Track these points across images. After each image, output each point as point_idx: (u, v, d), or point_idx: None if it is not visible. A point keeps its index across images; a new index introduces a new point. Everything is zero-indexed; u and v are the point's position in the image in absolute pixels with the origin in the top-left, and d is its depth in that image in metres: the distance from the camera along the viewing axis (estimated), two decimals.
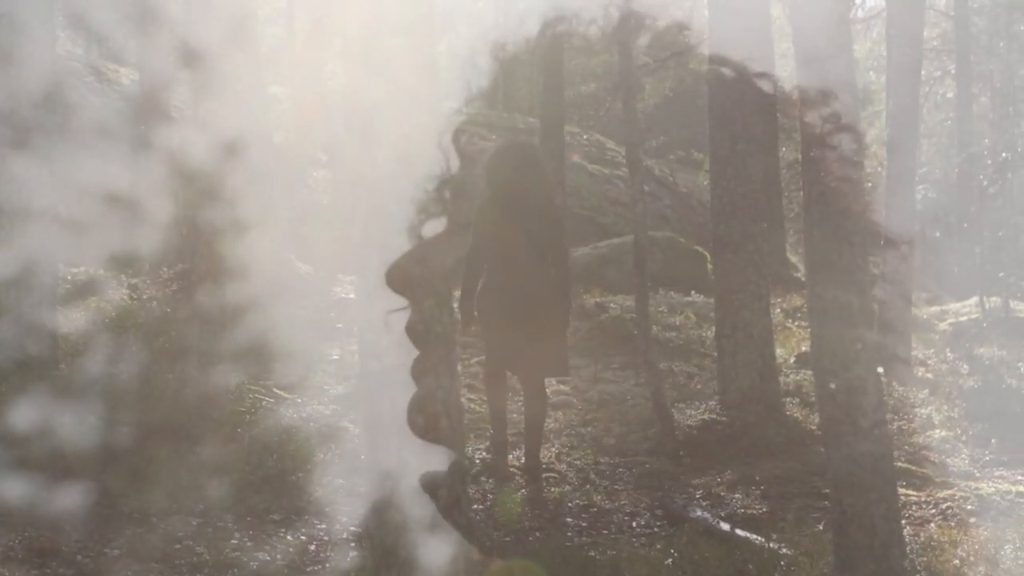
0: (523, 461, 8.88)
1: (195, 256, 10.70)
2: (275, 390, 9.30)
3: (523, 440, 8.98)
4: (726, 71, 5.93)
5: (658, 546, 7.53)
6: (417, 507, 6.34)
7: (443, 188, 5.09)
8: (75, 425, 7.88)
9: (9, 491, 7.19)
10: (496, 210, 8.71)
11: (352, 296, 11.37)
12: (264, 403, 9.01)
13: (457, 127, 5.03)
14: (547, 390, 9.37)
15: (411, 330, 5.90)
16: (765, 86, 5.75)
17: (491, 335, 8.75)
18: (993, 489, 9.72)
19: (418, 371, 6.16)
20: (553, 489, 8.70)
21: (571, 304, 9.22)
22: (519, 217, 8.68)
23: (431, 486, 6.71)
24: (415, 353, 5.49)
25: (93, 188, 9.08)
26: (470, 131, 5.25)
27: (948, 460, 12.03)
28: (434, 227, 5.16)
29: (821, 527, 7.70)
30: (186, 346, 9.28)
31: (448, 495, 6.52)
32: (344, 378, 9.90)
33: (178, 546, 7.08)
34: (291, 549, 7.19)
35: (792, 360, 12.70)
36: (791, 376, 11.64)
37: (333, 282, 12.85)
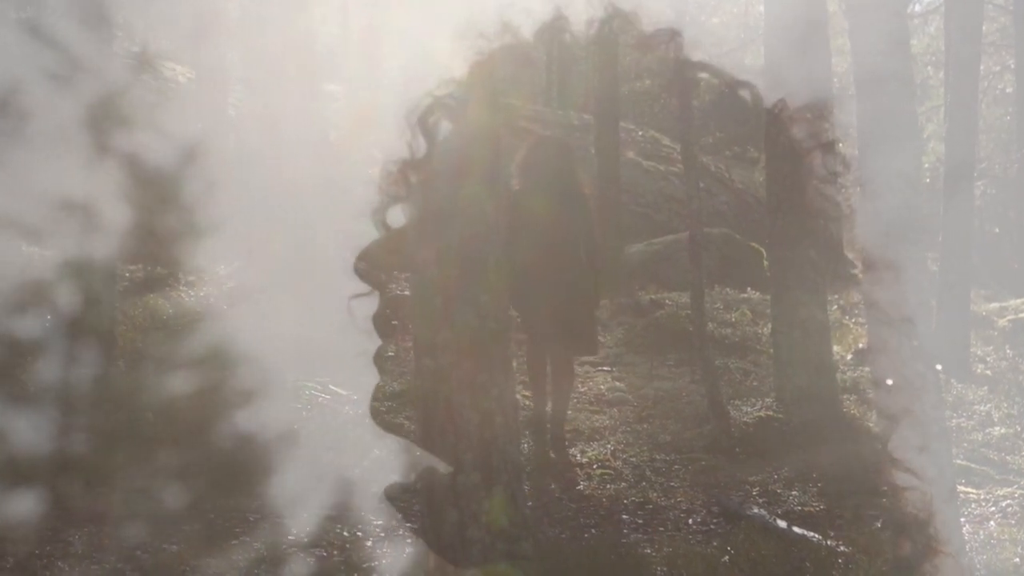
0: (550, 428, 9.14)
1: (249, 253, 10.75)
2: (331, 387, 9.33)
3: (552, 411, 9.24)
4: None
5: (715, 543, 7.51)
6: (473, 503, 6.34)
7: (407, 171, 5.04)
8: (134, 422, 7.94)
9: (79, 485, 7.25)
10: (530, 202, 8.90)
11: (407, 293, 11.38)
12: (320, 400, 9.05)
13: (425, 108, 4.97)
14: (603, 386, 9.48)
15: (377, 320, 5.90)
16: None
17: (529, 321, 8.94)
18: None
19: (379, 360, 6.17)
20: (608, 486, 8.69)
21: (602, 289, 9.50)
22: (552, 209, 8.91)
23: (395, 496, 6.73)
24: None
25: (140, 183, 9.14)
26: (441, 112, 5.20)
27: (1008, 458, 11.93)
28: (402, 212, 5.10)
29: (879, 525, 7.65)
30: (242, 343, 9.32)
31: (504, 491, 6.53)
32: (399, 375, 9.92)
33: (235, 542, 7.12)
34: (347, 545, 7.21)
35: (849, 357, 12.63)
36: (848, 373, 11.57)
37: (388, 279, 12.86)
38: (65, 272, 8.58)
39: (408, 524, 7.34)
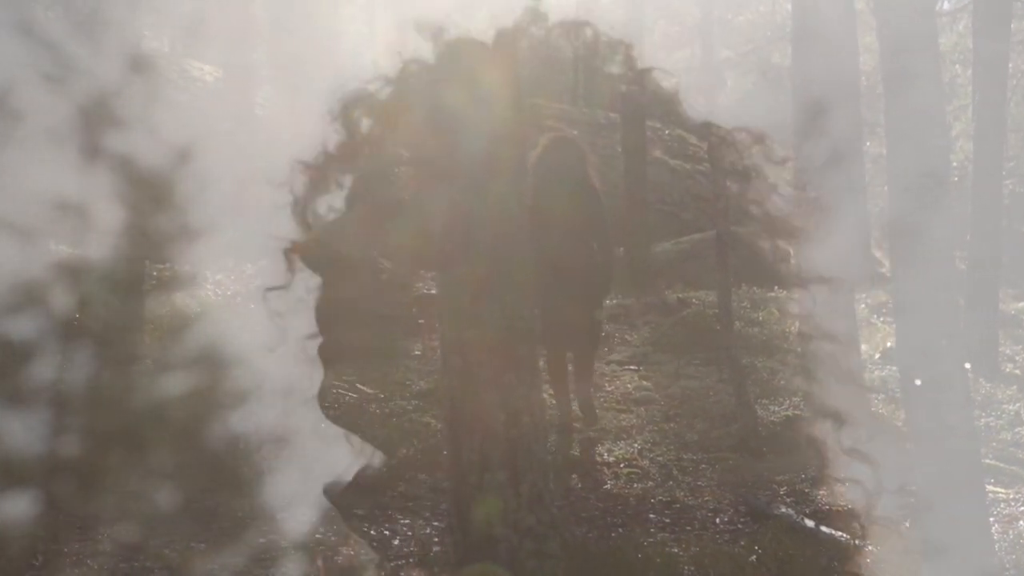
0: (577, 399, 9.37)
1: (276, 253, 10.76)
2: (358, 386, 9.35)
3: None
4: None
5: (742, 543, 7.49)
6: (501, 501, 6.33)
7: (327, 166, 5.02)
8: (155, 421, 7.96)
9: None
10: (544, 202, 8.96)
11: (433, 292, 11.38)
12: (348, 399, 9.06)
13: (345, 103, 4.95)
14: (629, 385, 9.51)
15: (319, 311, 5.87)
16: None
17: (545, 320, 8.98)
18: None
19: (325, 353, 6.15)
20: (635, 485, 8.69)
21: (609, 285, 9.66)
22: (565, 207, 9.02)
23: (335, 496, 6.72)
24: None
25: (166, 182, 9.16)
26: (363, 108, 5.19)
27: None
28: (329, 205, 5.06)
29: (908, 524, 7.63)
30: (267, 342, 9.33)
31: (531, 490, 6.52)
32: (426, 374, 9.93)
33: (263, 540, 7.13)
34: (375, 544, 7.22)
35: (877, 356, 12.59)
36: (876, 372, 11.54)
37: (415, 278, 12.88)
38: (91, 271, 8.61)
39: (348, 523, 7.31)
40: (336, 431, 8.37)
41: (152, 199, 8.82)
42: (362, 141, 5.19)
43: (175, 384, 8.51)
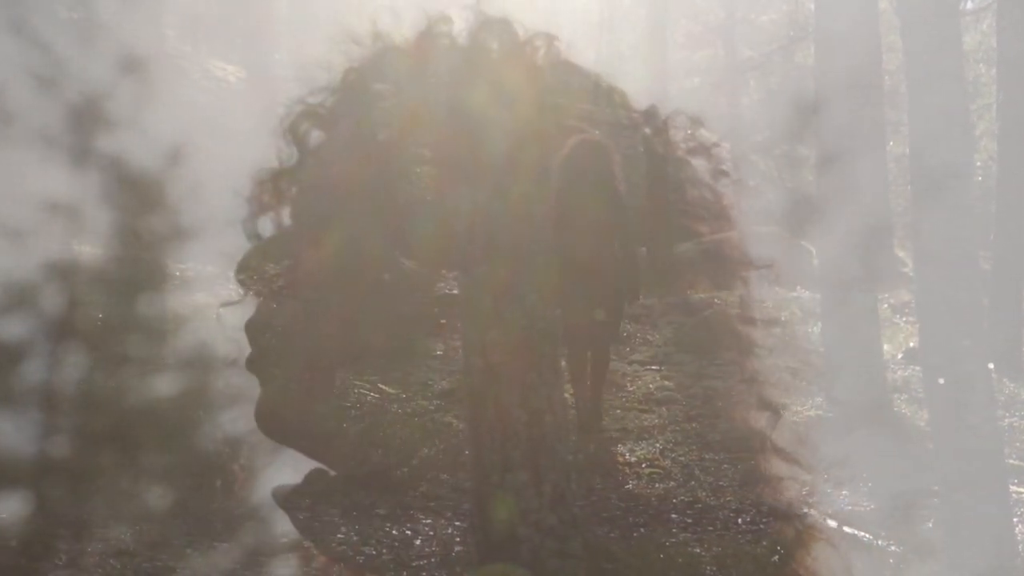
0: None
1: (298, 253, 10.77)
2: (380, 385, 9.35)
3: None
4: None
5: (764, 543, 7.48)
6: (523, 501, 6.33)
7: (278, 181, 5.02)
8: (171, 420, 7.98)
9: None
10: (568, 205, 8.96)
11: (455, 292, 11.38)
12: (369, 398, 9.06)
13: (295, 117, 4.94)
14: (651, 385, 9.49)
15: (249, 327, 5.88)
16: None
17: (565, 320, 8.97)
18: None
19: (253, 365, 6.13)
20: (657, 485, 8.67)
21: (635, 288, 9.83)
22: (589, 211, 9.08)
23: (283, 500, 6.72)
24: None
25: (186, 181, 9.18)
26: (311, 121, 5.17)
27: None
28: (275, 221, 5.06)
29: (931, 525, 7.60)
30: (290, 341, 9.34)
31: (553, 490, 6.52)
32: (448, 374, 9.93)
33: (285, 540, 7.14)
34: (397, 544, 7.22)
35: (900, 356, 12.55)
36: (898, 372, 11.51)
37: (436, 278, 12.87)
38: (113, 270, 8.63)
39: (297, 526, 7.29)
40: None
41: (171, 199, 8.84)
42: (309, 154, 5.20)
43: (191, 383, 8.53)
